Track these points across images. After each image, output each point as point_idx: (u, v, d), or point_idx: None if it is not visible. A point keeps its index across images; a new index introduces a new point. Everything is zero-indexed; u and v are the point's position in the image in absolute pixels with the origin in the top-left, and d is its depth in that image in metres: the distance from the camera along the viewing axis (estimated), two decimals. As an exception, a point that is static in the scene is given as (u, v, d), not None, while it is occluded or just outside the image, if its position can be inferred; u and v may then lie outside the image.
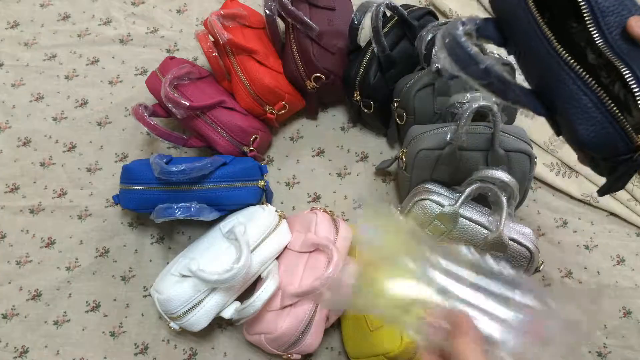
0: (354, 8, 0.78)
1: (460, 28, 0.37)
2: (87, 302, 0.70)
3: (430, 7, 0.80)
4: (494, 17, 0.42)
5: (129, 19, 0.88)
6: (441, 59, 0.38)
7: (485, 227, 0.60)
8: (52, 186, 0.76)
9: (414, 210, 0.64)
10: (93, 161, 0.78)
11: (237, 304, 0.63)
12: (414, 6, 0.78)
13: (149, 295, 0.70)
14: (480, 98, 0.60)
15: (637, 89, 0.33)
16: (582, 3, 0.36)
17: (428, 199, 0.62)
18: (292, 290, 0.60)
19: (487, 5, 0.82)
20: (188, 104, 0.66)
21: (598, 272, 0.73)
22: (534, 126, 0.79)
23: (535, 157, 0.64)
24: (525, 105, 0.38)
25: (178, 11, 0.90)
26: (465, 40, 0.36)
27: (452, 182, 0.65)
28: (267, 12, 0.72)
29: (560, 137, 0.41)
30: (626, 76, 0.34)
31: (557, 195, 0.78)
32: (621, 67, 0.34)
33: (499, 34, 0.41)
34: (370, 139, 0.81)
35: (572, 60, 0.36)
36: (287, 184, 0.78)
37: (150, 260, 0.72)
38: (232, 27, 0.72)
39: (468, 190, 0.60)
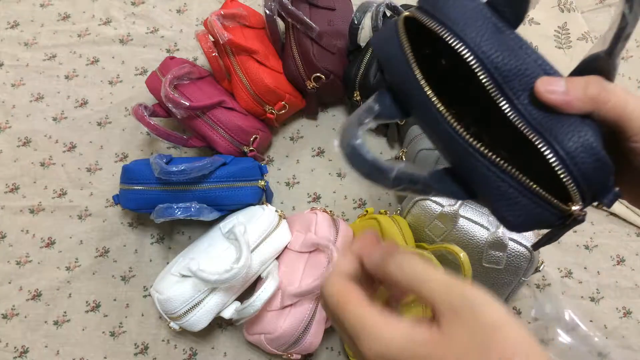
0: (354, 8, 0.78)
1: (359, 133, 0.31)
2: (87, 302, 0.70)
3: (430, 7, 0.80)
4: (388, 87, 0.35)
5: (129, 19, 0.88)
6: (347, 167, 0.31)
7: (485, 227, 0.60)
8: (52, 186, 0.76)
9: (414, 210, 0.64)
10: (93, 161, 0.78)
11: (237, 304, 0.63)
12: (414, 6, 0.78)
13: (149, 295, 0.70)
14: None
15: (560, 168, 0.28)
16: (478, 69, 0.29)
17: (428, 199, 0.62)
18: (292, 290, 0.60)
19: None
20: (188, 104, 0.66)
21: (598, 272, 0.73)
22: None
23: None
24: (448, 196, 0.33)
25: (178, 11, 0.89)
26: (367, 152, 0.31)
27: (452, 182, 0.65)
28: (267, 12, 0.72)
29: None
30: (545, 153, 0.28)
31: (557, 195, 0.78)
32: (537, 141, 0.29)
33: (399, 107, 0.34)
34: (370, 139, 0.81)
35: (480, 146, 0.30)
36: (287, 184, 0.78)
37: (150, 260, 0.72)
38: (232, 27, 0.72)
39: (468, 190, 0.60)
